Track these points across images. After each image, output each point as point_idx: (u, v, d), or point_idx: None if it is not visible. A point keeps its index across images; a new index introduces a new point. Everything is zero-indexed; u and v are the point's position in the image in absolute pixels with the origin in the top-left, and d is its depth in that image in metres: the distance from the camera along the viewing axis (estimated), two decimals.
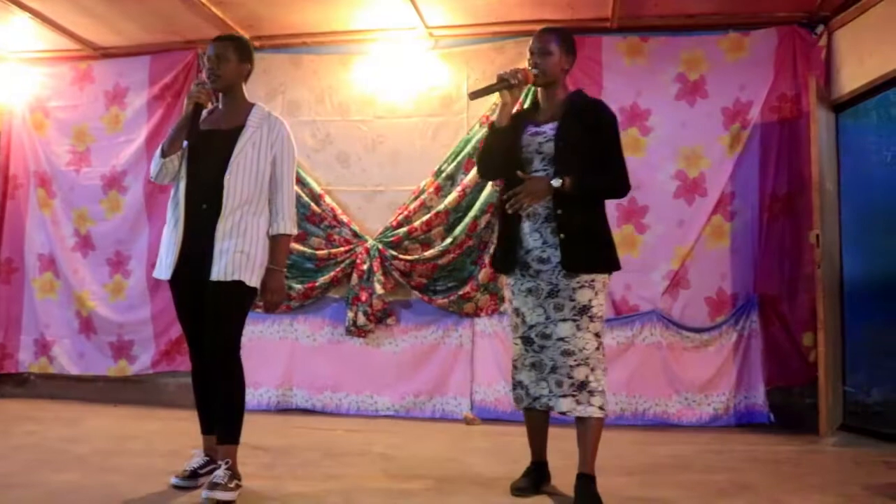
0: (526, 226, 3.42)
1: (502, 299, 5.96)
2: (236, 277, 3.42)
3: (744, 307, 5.70)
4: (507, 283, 3.60)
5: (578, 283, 3.33)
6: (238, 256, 3.42)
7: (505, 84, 3.38)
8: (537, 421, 3.61)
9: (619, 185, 3.46)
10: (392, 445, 4.80)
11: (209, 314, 3.46)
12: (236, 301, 3.50)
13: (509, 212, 3.35)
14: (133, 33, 6.38)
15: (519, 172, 3.37)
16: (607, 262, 3.43)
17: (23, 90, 6.91)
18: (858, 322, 5.61)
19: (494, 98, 5.93)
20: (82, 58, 6.83)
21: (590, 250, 3.36)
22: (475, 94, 3.41)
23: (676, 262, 5.79)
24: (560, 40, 3.48)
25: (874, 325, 5.54)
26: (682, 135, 5.84)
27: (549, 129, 3.42)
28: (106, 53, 6.79)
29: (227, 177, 3.45)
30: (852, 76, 5.44)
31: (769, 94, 5.75)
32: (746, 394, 5.63)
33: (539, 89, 3.60)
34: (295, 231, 3.70)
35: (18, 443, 4.57)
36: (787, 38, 5.76)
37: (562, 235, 3.32)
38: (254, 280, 3.49)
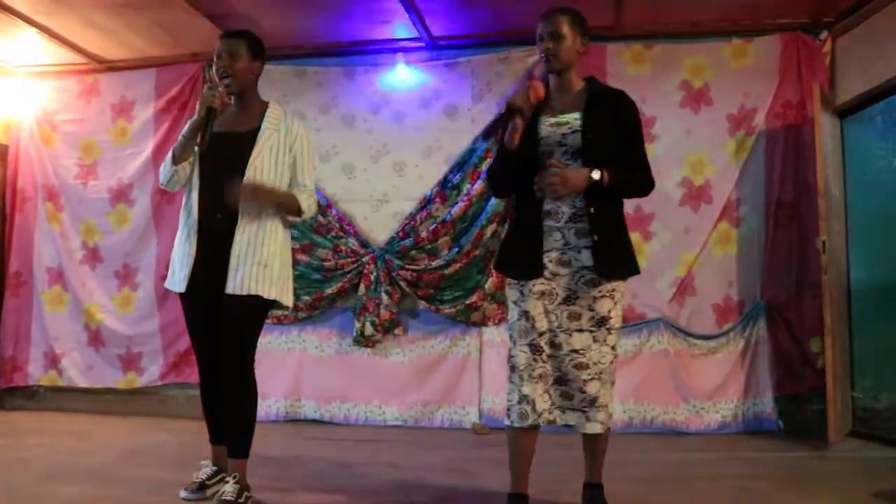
0: (547, 224, 3.16)
1: (509, 308, 5.96)
2: (253, 292, 3.35)
3: (751, 314, 5.70)
4: (511, 282, 3.25)
5: (600, 292, 3.11)
6: (256, 269, 3.35)
7: (518, 112, 3.13)
8: (529, 442, 3.22)
9: (649, 182, 3.31)
10: (400, 455, 4.82)
11: (224, 327, 3.38)
12: (252, 315, 3.43)
13: (538, 195, 3.13)
14: (139, 46, 6.42)
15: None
16: (632, 267, 3.25)
17: (30, 104, 6.95)
18: (866, 328, 5.59)
19: (497, 107, 6.01)
20: (89, 71, 6.87)
21: (619, 255, 3.18)
22: (495, 126, 3.21)
23: (683, 269, 5.79)
24: (572, 21, 3.21)
25: (882, 331, 5.51)
26: (687, 142, 5.85)
27: (572, 118, 3.17)
28: (112, 67, 6.81)
29: (244, 182, 3.32)
30: (856, 81, 5.45)
31: (774, 100, 5.77)
32: (754, 401, 5.62)
33: (552, 77, 3.31)
34: (308, 213, 3.49)
35: (28, 455, 4.59)
36: (790, 44, 5.77)
37: (595, 237, 3.09)
38: (272, 293, 3.41)
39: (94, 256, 6.72)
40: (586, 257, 3.12)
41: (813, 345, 5.56)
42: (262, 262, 3.36)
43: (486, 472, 4.26)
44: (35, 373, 6.75)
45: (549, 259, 3.15)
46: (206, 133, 3.30)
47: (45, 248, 6.84)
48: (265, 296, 3.39)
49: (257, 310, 3.43)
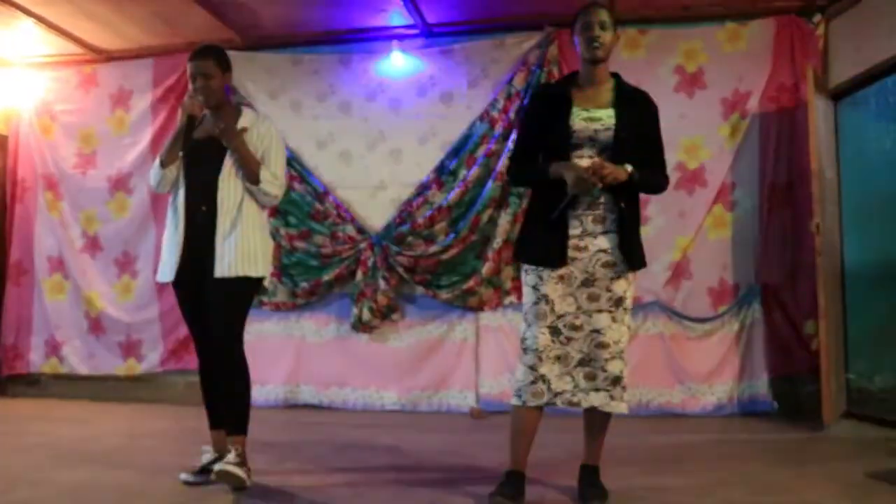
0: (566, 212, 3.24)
1: (506, 293, 6.00)
2: (240, 273, 3.55)
3: (746, 297, 5.74)
4: (529, 268, 3.29)
5: (616, 273, 3.22)
6: (240, 253, 3.55)
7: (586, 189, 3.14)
8: (533, 422, 3.28)
9: (666, 181, 3.41)
10: (399, 439, 4.85)
11: (213, 310, 3.58)
12: (240, 296, 3.64)
13: (593, 182, 3.09)
14: (136, 36, 6.44)
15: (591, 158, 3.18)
16: (644, 259, 3.36)
17: (29, 94, 6.98)
18: (860, 309, 5.62)
19: (493, 93, 6.03)
20: (87, 62, 6.89)
21: (639, 247, 3.31)
22: (560, 213, 3.21)
23: (678, 252, 5.82)
24: (611, 14, 3.30)
25: (876, 313, 5.54)
26: (681, 126, 5.83)
27: (605, 115, 3.23)
28: (110, 57, 6.84)
29: (220, 179, 3.58)
30: (850, 64, 5.45)
31: (767, 83, 5.78)
32: (749, 383, 5.66)
33: (585, 67, 3.34)
34: (266, 185, 3.61)
35: (31, 442, 4.63)
36: (784, 27, 5.77)
37: (623, 230, 3.22)
38: (258, 270, 3.62)
39: (93, 245, 6.77)
40: (602, 241, 3.23)
41: (807, 327, 5.59)
42: (244, 245, 3.58)
43: (484, 454, 4.30)
44: (36, 360, 6.82)
45: (568, 245, 3.22)
46: (188, 138, 3.59)
47: (46, 237, 6.90)
48: (252, 275, 3.60)
49: (244, 291, 3.64)
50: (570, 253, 3.21)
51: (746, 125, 5.78)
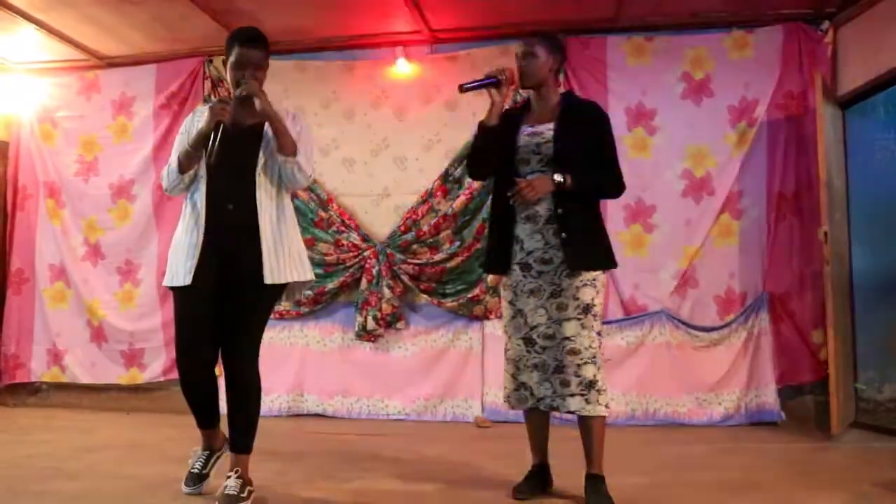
0: (527, 227, 3.44)
1: None
2: (290, 279, 3.39)
3: (753, 305, 5.70)
4: (505, 283, 3.56)
5: (582, 281, 3.36)
6: (288, 256, 3.38)
7: (493, 80, 3.44)
8: (539, 422, 3.62)
9: (617, 184, 3.52)
10: (403, 449, 4.81)
11: (241, 320, 3.34)
12: (271, 304, 3.48)
13: (511, 202, 3.39)
14: (139, 42, 6.42)
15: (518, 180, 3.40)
16: (607, 260, 3.48)
17: (30, 101, 6.95)
18: (869, 318, 5.59)
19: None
20: (89, 67, 6.87)
21: (591, 249, 3.41)
22: (465, 88, 3.46)
23: (685, 261, 5.78)
24: (543, 41, 3.51)
25: (884, 322, 5.52)
26: (688, 134, 5.83)
27: (545, 129, 3.45)
28: (112, 63, 6.82)
29: (258, 172, 3.35)
30: (859, 72, 5.43)
31: (775, 91, 5.75)
32: (757, 392, 5.61)
33: (531, 92, 3.60)
34: (304, 161, 3.41)
35: (32, 451, 4.59)
36: (792, 35, 5.75)
37: (563, 235, 3.34)
38: (305, 273, 3.49)
39: (95, 253, 6.73)
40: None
41: (815, 336, 5.56)
42: (288, 248, 3.40)
43: (490, 464, 4.27)
44: (38, 369, 6.77)
45: (534, 259, 3.43)
46: (214, 146, 3.23)
47: (47, 245, 6.85)
48: (302, 279, 3.47)
49: (277, 297, 3.50)
50: (538, 267, 3.43)
51: (754, 133, 5.75)
